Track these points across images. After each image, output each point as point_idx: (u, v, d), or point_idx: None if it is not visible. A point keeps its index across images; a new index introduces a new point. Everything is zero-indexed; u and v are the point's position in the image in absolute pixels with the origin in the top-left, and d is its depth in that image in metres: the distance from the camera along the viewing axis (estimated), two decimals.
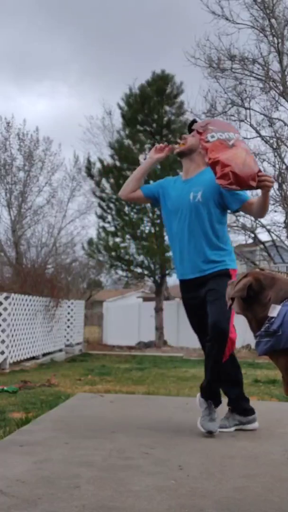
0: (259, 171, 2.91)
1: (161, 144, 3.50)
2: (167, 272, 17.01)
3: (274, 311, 1.84)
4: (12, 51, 41.30)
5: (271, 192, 15.11)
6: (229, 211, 3.36)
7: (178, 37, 30.64)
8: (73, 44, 40.81)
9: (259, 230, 15.42)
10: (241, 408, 3.29)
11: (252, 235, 15.32)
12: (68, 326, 12.50)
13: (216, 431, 3.09)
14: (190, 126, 3.39)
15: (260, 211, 3.16)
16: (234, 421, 3.28)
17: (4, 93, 37.11)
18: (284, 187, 13.81)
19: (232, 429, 3.26)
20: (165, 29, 33.93)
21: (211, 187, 3.16)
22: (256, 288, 1.93)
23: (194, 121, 3.45)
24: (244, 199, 3.18)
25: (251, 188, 2.89)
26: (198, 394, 3.32)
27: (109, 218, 17.13)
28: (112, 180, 16.88)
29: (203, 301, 3.20)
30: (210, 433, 3.06)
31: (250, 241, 16.03)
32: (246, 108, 13.92)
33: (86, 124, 34.31)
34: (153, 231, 16.64)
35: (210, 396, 3.19)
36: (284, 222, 14.23)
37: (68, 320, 12.50)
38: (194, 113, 14.42)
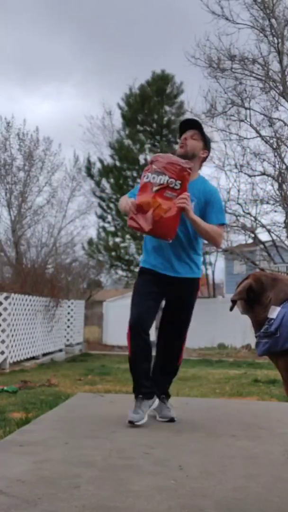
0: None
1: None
2: None
3: (274, 312, 1.85)
4: (15, 52, 41.39)
5: (272, 192, 14.98)
6: None
7: (178, 37, 30.61)
8: (75, 45, 40.90)
9: (259, 230, 15.41)
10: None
11: (252, 235, 15.31)
12: (68, 326, 12.51)
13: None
14: (181, 127, 3.40)
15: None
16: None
17: (8, 94, 37.24)
18: (284, 187, 13.80)
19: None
20: (165, 29, 33.94)
21: (200, 202, 3.22)
22: (257, 289, 1.93)
23: (186, 121, 3.47)
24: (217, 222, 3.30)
25: (163, 238, 3.13)
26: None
27: (109, 218, 17.17)
28: (112, 180, 16.90)
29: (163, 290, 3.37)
30: (172, 420, 3.33)
31: (250, 241, 16.02)
32: (246, 108, 13.90)
33: (86, 124, 34.29)
34: None
35: (163, 391, 3.48)
36: (284, 222, 14.22)
37: (68, 320, 12.50)
38: (194, 113, 14.42)
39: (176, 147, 3.45)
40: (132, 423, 3.21)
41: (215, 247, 3.91)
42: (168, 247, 3.29)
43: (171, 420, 3.36)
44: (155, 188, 3.01)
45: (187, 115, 15.34)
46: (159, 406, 3.45)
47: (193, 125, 3.40)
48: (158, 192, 3.01)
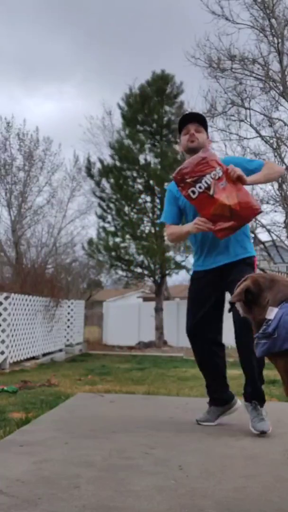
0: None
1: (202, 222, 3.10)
2: (167, 272, 17.01)
3: (271, 313, 1.85)
4: (16, 52, 41.43)
5: (272, 192, 14.91)
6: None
7: (178, 37, 30.65)
8: (75, 45, 40.94)
9: (259, 230, 15.40)
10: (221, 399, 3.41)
11: (252, 235, 15.30)
12: (68, 326, 12.50)
13: (269, 430, 3.06)
14: (182, 121, 3.40)
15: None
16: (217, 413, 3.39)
17: (9, 94, 37.28)
18: (284, 187, 13.79)
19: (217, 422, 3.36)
20: (165, 29, 33.95)
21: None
22: (255, 291, 1.94)
23: (189, 115, 3.49)
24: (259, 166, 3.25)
25: (255, 214, 3.14)
26: (239, 401, 3.39)
27: (109, 218, 17.14)
28: (112, 180, 16.88)
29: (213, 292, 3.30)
30: (263, 433, 3.02)
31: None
32: (246, 108, 13.90)
33: (86, 124, 34.32)
34: (153, 231, 16.66)
35: (254, 396, 3.17)
36: (284, 222, 14.22)
37: (68, 320, 12.50)
38: None
39: (177, 146, 3.42)
40: (197, 423, 3.32)
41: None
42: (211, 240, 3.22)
43: (262, 433, 3.02)
44: (211, 192, 2.98)
45: None
46: (251, 414, 3.13)
47: (195, 118, 3.41)
48: (216, 193, 2.99)
